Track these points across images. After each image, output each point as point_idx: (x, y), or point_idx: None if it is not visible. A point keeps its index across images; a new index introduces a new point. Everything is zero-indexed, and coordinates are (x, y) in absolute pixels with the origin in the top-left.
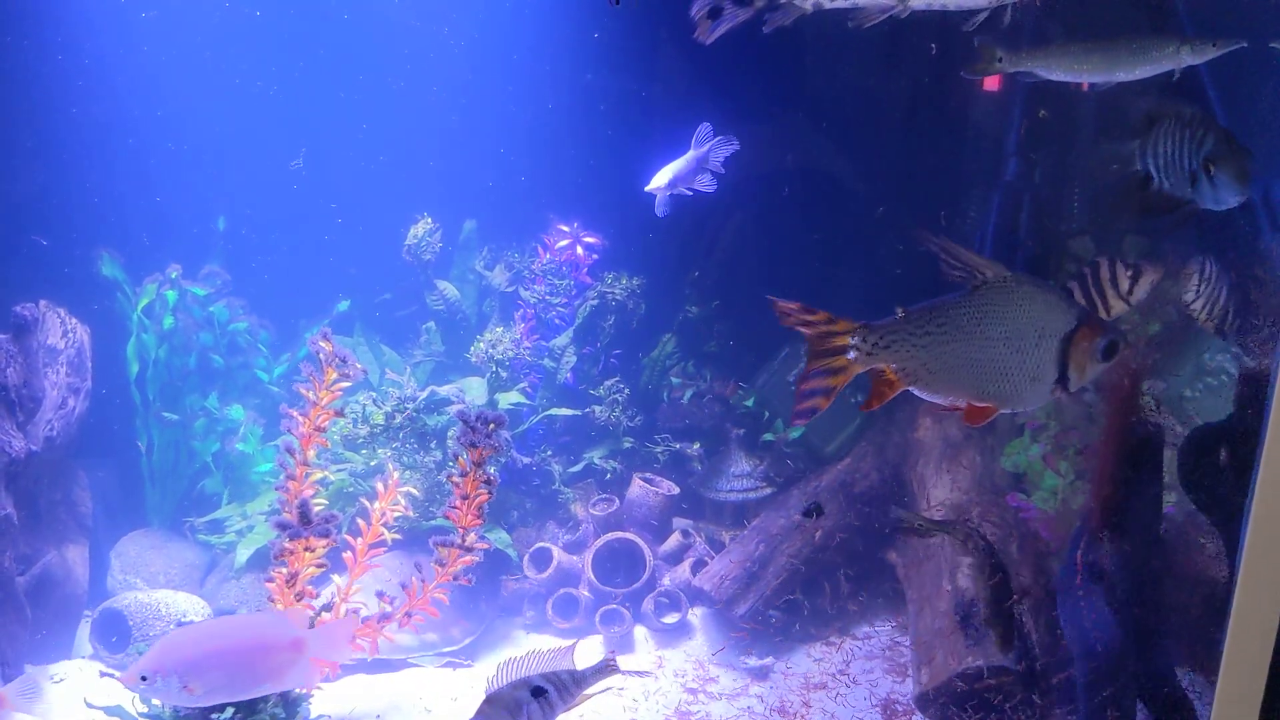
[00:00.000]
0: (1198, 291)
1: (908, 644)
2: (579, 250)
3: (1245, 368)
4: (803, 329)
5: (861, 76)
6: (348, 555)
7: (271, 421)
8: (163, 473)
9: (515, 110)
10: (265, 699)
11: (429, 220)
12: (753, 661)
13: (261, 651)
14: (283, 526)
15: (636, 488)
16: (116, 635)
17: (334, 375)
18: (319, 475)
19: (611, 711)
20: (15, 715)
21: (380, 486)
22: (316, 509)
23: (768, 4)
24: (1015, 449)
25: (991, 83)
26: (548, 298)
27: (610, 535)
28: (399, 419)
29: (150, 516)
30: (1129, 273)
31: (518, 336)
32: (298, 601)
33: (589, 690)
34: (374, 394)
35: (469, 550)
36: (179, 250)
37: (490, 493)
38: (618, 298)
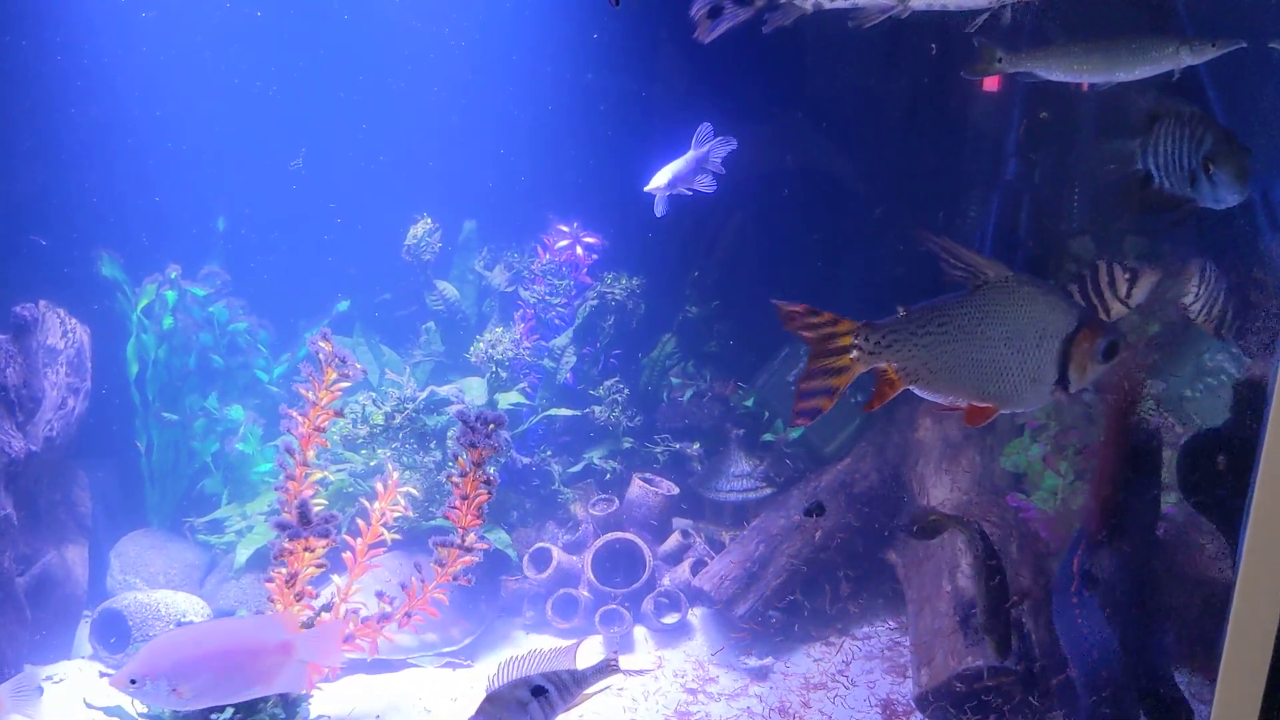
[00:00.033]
0: (1197, 293)
1: (907, 644)
2: (579, 250)
3: (1241, 377)
4: (805, 333)
5: (861, 76)
6: (347, 555)
7: (271, 422)
8: (162, 473)
9: (515, 110)
10: (265, 699)
11: (429, 220)
12: (752, 662)
13: (250, 654)
14: (282, 527)
15: (636, 488)
16: (116, 635)
17: (333, 375)
18: (318, 475)
19: (611, 711)
20: (11, 716)
21: (380, 487)
22: (316, 509)
23: (768, 4)
24: (1015, 449)
25: (991, 83)
26: (547, 298)
27: (610, 535)
28: (399, 419)
29: (150, 517)
30: (1127, 276)
31: (517, 337)
32: (297, 602)
33: (589, 690)
34: (374, 394)
35: (468, 550)
36: (178, 250)
37: (490, 493)
38: (617, 298)
